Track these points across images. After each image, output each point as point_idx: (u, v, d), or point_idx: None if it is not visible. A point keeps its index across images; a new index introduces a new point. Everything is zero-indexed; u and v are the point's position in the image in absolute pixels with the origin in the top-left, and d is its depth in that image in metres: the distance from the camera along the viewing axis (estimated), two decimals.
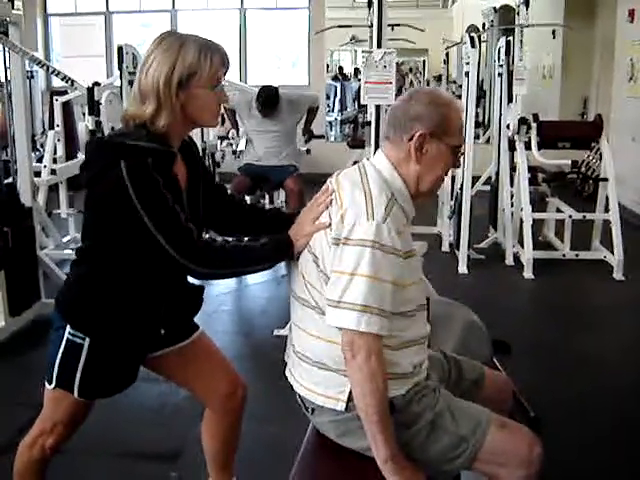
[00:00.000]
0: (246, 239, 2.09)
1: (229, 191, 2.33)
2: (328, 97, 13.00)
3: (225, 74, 1.99)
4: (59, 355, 2.06)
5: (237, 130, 6.66)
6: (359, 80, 8.33)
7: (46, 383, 2.13)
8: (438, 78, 13.64)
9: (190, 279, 2.15)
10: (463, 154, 2.00)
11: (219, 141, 7.46)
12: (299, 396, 2.06)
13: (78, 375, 2.05)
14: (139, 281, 2.03)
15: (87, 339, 2.02)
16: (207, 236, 2.07)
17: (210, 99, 1.96)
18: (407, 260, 1.90)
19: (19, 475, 2.25)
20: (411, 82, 14.35)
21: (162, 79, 1.88)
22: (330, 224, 1.92)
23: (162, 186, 1.86)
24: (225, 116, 6.49)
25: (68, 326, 2.04)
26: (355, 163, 7.79)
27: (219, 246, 1.98)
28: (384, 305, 1.82)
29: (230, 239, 2.07)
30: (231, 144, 7.06)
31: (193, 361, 2.28)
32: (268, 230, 2.23)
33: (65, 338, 2.04)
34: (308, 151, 6.96)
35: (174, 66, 1.88)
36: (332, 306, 1.84)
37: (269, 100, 5.96)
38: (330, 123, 11.89)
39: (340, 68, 15.05)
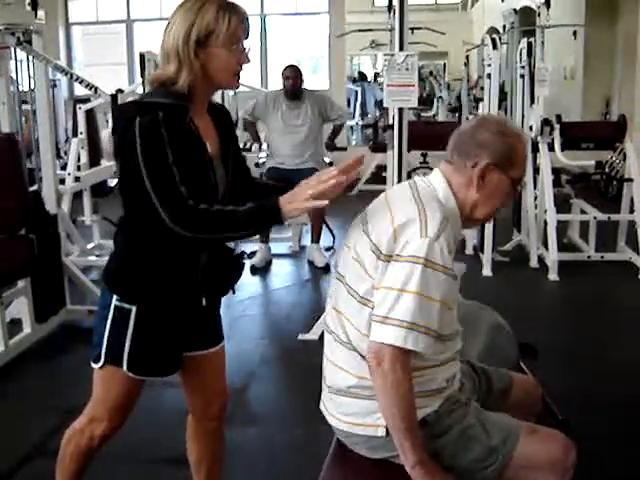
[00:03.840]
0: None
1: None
2: (349, 102, 12.98)
3: (246, 37, 2.01)
4: (107, 326, 2.07)
5: (259, 143, 6.69)
6: (379, 84, 8.29)
7: (93, 364, 2.13)
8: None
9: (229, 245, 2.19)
10: (522, 187, 2.01)
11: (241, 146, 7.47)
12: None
13: (127, 345, 2.05)
14: (172, 243, 2.00)
15: (134, 306, 2.05)
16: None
17: (229, 59, 1.98)
18: (453, 281, 1.88)
19: (62, 464, 2.26)
20: (431, 85, 14.32)
21: (181, 37, 1.93)
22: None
23: (166, 143, 1.87)
24: (246, 128, 6.54)
25: (114, 296, 2.06)
26: (378, 167, 7.76)
27: (203, 210, 1.92)
28: (432, 324, 1.80)
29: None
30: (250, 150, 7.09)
31: (206, 368, 2.29)
32: None
33: (113, 306, 2.06)
34: (331, 163, 6.92)
35: (193, 24, 1.92)
36: (378, 322, 1.81)
37: (293, 68, 6.10)
38: (351, 127, 11.87)
39: (360, 73, 15.04)
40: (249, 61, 2.05)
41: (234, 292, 2.26)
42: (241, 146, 7.24)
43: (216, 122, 2.12)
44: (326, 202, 1.88)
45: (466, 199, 1.95)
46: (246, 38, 2.01)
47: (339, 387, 1.97)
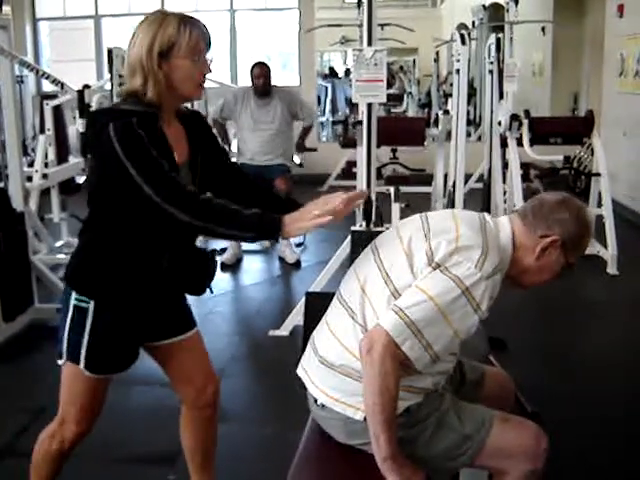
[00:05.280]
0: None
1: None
2: (319, 99, 12.96)
3: (207, 49, 2.07)
4: (67, 324, 2.10)
5: (229, 145, 6.63)
6: (350, 80, 8.31)
7: (58, 361, 2.16)
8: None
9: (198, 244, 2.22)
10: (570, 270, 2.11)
11: None
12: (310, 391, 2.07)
13: (85, 343, 2.08)
14: (137, 242, 2.08)
15: (92, 302, 2.07)
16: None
17: (191, 70, 2.04)
18: (477, 322, 1.90)
19: (35, 467, 2.29)
20: (401, 80, 14.35)
21: (145, 51, 1.99)
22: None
23: (146, 141, 1.93)
24: (215, 132, 6.47)
25: (74, 293, 2.09)
26: (348, 163, 7.66)
27: (206, 199, 1.97)
28: (435, 345, 1.83)
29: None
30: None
31: (184, 355, 2.33)
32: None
33: (72, 305, 2.09)
34: (301, 165, 6.80)
35: (155, 37, 1.99)
36: (393, 310, 1.83)
37: (261, 66, 6.05)
38: (322, 123, 11.87)
39: (331, 69, 15.03)
40: (211, 71, 2.11)
41: (212, 291, 2.29)
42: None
43: (187, 129, 2.17)
44: (330, 218, 1.92)
45: (521, 261, 2.01)
46: (208, 50, 2.07)
47: (333, 362, 1.98)
